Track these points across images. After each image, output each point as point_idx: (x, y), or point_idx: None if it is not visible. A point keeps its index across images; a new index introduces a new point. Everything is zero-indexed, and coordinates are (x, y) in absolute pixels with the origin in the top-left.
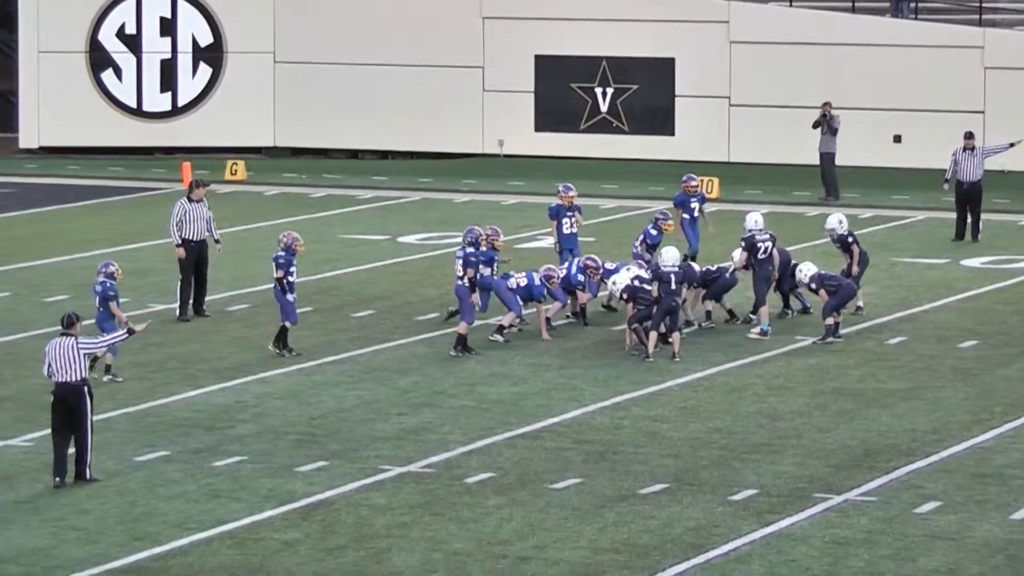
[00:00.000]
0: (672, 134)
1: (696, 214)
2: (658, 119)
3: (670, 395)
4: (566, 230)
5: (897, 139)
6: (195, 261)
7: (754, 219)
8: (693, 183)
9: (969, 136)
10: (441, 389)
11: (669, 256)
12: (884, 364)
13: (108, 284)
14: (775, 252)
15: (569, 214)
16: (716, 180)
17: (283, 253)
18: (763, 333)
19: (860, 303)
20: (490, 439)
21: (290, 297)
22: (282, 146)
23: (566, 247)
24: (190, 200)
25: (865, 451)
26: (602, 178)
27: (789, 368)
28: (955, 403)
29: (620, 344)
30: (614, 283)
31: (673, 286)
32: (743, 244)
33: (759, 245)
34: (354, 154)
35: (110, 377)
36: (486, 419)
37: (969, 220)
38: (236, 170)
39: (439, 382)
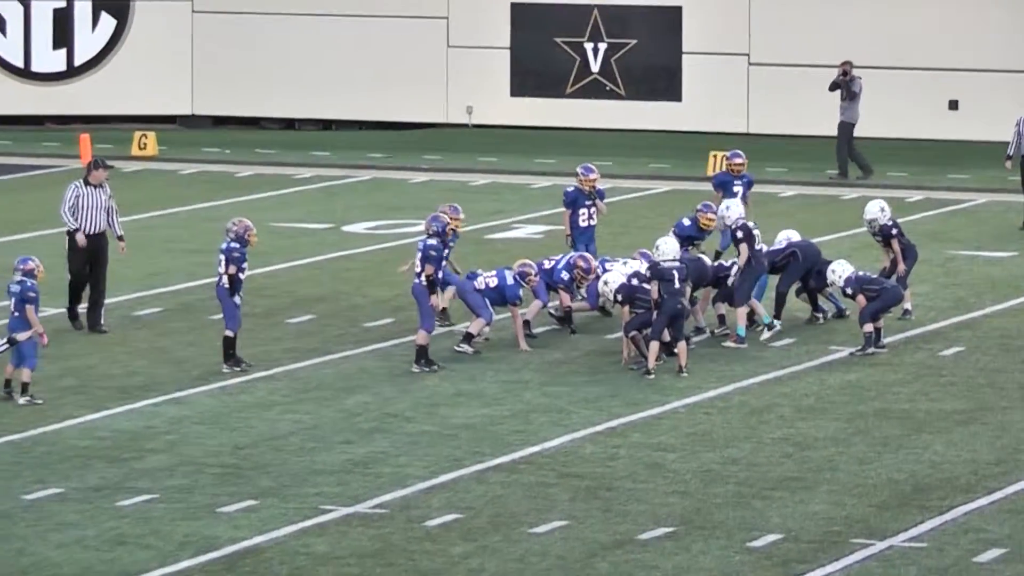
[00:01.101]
0: (678, 99)
1: (742, 198)
2: (662, 81)
3: (676, 418)
4: (583, 222)
5: (953, 105)
6: (90, 259)
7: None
8: (739, 160)
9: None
10: (396, 411)
11: (668, 248)
12: (938, 380)
13: (28, 284)
14: (795, 245)
15: (588, 202)
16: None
17: (236, 245)
18: (739, 340)
19: (908, 305)
20: (456, 472)
21: (236, 299)
22: (202, 114)
23: (581, 243)
24: (87, 183)
25: (915, 487)
26: (593, 153)
27: (822, 386)
28: None
29: (615, 356)
30: (606, 283)
31: (676, 285)
32: (739, 235)
33: (755, 233)
34: (290, 124)
35: (27, 399)
36: (451, 448)
37: None
38: (145, 144)
39: (394, 403)
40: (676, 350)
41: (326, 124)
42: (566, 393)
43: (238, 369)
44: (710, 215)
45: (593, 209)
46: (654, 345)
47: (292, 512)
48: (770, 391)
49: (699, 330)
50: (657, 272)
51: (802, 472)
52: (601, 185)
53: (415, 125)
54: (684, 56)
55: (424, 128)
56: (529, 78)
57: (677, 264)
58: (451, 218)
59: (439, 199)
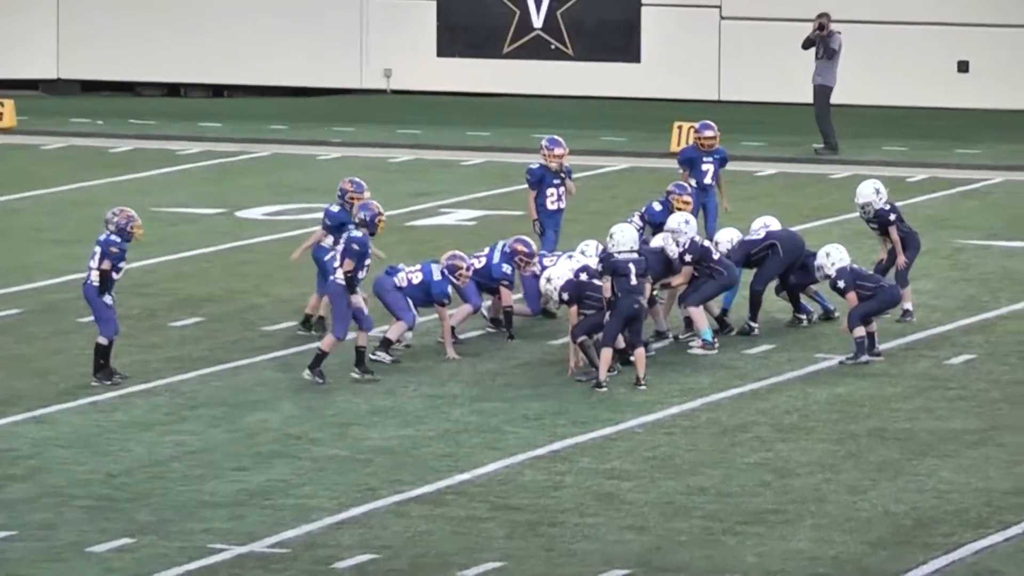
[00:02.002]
0: (637, 60)
1: (710, 180)
2: (617, 38)
3: (632, 440)
4: (551, 204)
5: (963, 67)
6: None
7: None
8: (709, 133)
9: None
10: (300, 432)
11: (624, 237)
12: (944, 394)
13: None
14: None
15: (556, 181)
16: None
17: (116, 238)
18: (706, 345)
19: (908, 305)
20: (371, 504)
21: (108, 299)
22: (69, 79)
23: (550, 228)
24: None
25: (916, 521)
26: (535, 124)
27: (806, 401)
28: None
29: (560, 366)
30: (549, 279)
31: (633, 281)
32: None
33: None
34: (175, 90)
35: None
36: (365, 475)
37: None
38: (1, 114)
39: (297, 422)
40: (633, 358)
41: (217, 90)
42: (502, 410)
43: (109, 383)
44: (685, 197)
45: (562, 189)
46: (606, 352)
47: (176, 552)
48: (745, 407)
49: (660, 334)
50: (610, 265)
51: (782, 503)
52: (517, 159)
53: (323, 91)
54: (644, 8)
55: (334, 95)
56: (459, 35)
57: (634, 256)
58: (350, 194)
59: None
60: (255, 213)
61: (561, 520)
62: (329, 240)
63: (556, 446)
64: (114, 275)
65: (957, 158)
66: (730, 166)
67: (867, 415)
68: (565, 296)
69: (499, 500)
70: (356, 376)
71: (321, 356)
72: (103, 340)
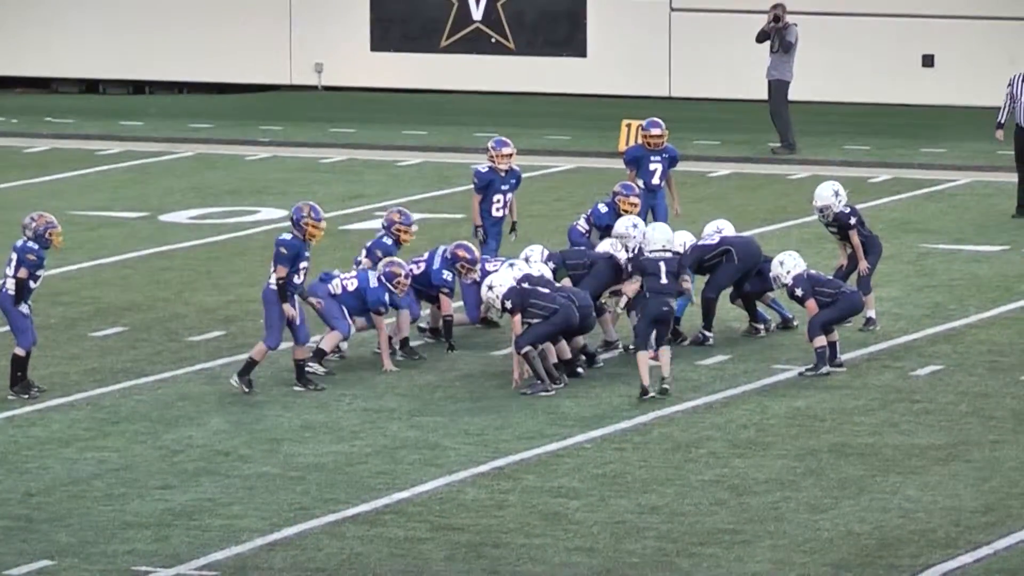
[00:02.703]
0: (583, 54)
1: (658, 180)
2: (561, 31)
3: (580, 456)
4: (496, 211)
5: (927, 61)
6: None
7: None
8: (657, 132)
9: (764, 35)
10: (228, 448)
11: (656, 235)
12: (909, 407)
13: None
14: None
15: (505, 186)
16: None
17: (33, 245)
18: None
19: (871, 313)
20: (304, 524)
21: (24, 308)
22: None
23: (493, 236)
24: None
25: (881, 541)
26: (475, 122)
27: (764, 415)
28: (1017, 467)
29: (503, 377)
30: (491, 287)
31: (663, 280)
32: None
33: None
34: (94, 86)
35: None
36: (297, 494)
37: None
38: None
39: (225, 437)
40: (658, 358)
41: (138, 87)
42: (441, 425)
43: (27, 396)
44: (632, 199)
45: (509, 196)
46: (641, 357)
47: (97, 575)
48: (699, 421)
49: (609, 344)
50: (640, 265)
51: (739, 523)
52: (458, 159)
53: (251, 87)
54: None
55: (262, 91)
56: (394, 28)
57: (667, 256)
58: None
59: (282, 180)
60: (179, 217)
61: (505, 541)
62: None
63: (499, 462)
64: (31, 283)
65: (922, 158)
66: (682, 166)
67: (828, 430)
68: (508, 304)
69: (439, 520)
70: (299, 389)
71: (251, 364)
72: (20, 351)
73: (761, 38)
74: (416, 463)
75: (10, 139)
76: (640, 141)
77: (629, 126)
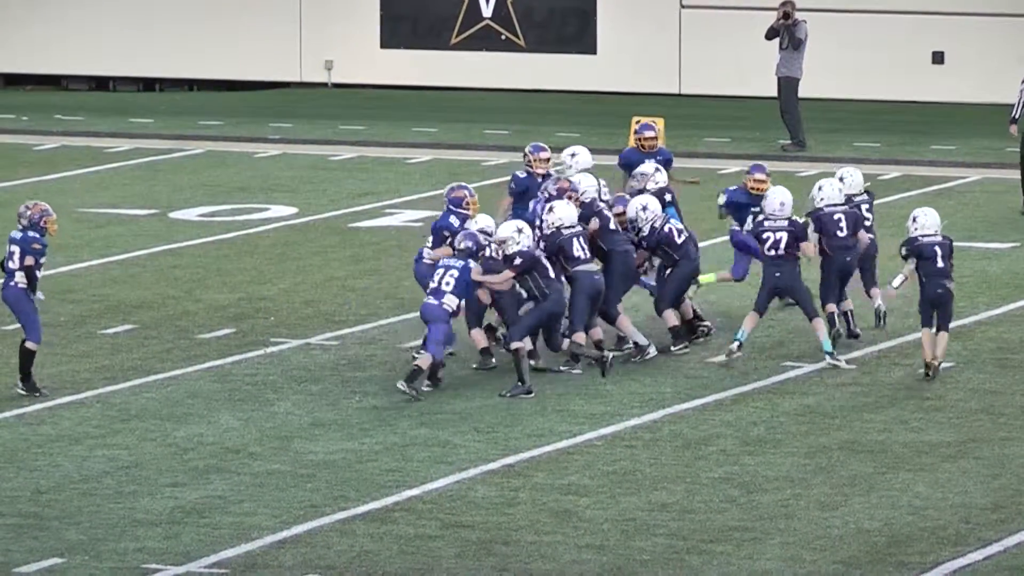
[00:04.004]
0: (592, 52)
1: None
2: (571, 28)
3: (591, 453)
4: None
5: (937, 58)
6: None
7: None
8: (650, 134)
9: (773, 32)
10: (239, 445)
11: (928, 220)
12: (919, 405)
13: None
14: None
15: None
16: (661, 122)
17: (35, 234)
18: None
19: (880, 303)
20: (314, 522)
21: (41, 295)
22: None
23: None
24: None
25: (891, 538)
26: (485, 119)
27: (774, 411)
28: None
29: (513, 376)
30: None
31: (939, 264)
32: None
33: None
34: (104, 83)
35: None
36: (308, 492)
37: None
38: None
39: (235, 435)
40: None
41: (148, 84)
42: (452, 422)
43: (37, 395)
44: (758, 175)
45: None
46: (927, 334)
47: (108, 573)
48: (709, 419)
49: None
50: (915, 248)
51: (749, 520)
52: (466, 156)
53: (261, 85)
54: None
55: (272, 88)
56: (404, 25)
57: (939, 239)
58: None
59: (292, 178)
60: (188, 214)
61: (515, 538)
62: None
63: (510, 460)
64: (37, 273)
65: (932, 155)
66: (692, 164)
67: (838, 427)
68: (518, 260)
69: (449, 517)
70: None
71: (413, 372)
72: (32, 345)
73: (771, 35)
74: (426, 461)
75: (20, 136)
76: (634, 144)
77: (639, 123)
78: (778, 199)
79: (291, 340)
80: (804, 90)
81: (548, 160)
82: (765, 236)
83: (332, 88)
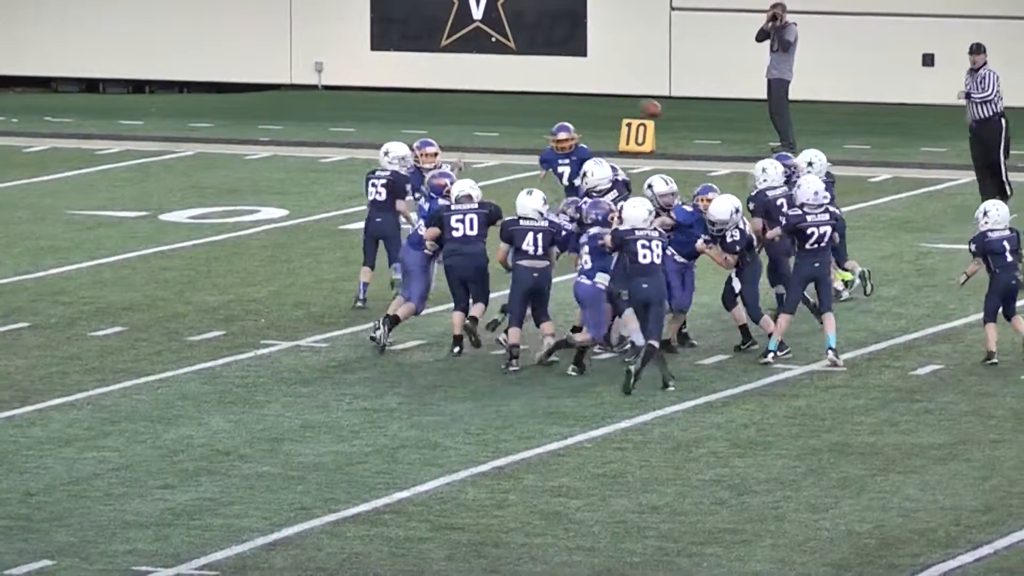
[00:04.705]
0: (583, 54)
1: (567, 181)
2: (562, 30)
3: (581, 455)
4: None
5: (927, 60)
6: None
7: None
8: (563, 136)
9: (976, 50)
10: (229, 447)
11: (999, 215)
12: (910, 407)
13: None
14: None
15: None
16: (651, 125)
17: None
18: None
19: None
20: (304, 524)
21: None
22: None
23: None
24: None
25: (881, 541)
26: (475, 121)
27: (764, 414)
28: (1017, 466)
29: (503, 377)
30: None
31: (1008, 258)
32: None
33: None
34: (94, 85)
35: None
36: (298, 494)
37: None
38: None
39: (225, 437)
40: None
41: (138, 86)
42: (442, 424)
43: None
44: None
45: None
46: (990, 328)
47: (97, 575)
48: (699, 421)
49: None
50: (983, 245)
51: (740, 522)
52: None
53: (251, 87)
54: None
55: (262, 90)
56: (394, 27)
57: (1007, 234)
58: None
59: (282, 180)
60: (178, 216)
61: (505, 541)
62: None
63: (500, 462)
64: None
65: (922, 157)
66: (683, 165)
67: (828, 429)
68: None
69: (439, 519)
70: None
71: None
72: None
73: (761, 37)
74: (416, 463)
75: (10, 138)
76: (549, 145)
77: (630, 125)
78: (812, 188)
79: (281, 342)
80: (795, 92)
81: (570, 141)
82: (810, 231)
83: (322, 90)
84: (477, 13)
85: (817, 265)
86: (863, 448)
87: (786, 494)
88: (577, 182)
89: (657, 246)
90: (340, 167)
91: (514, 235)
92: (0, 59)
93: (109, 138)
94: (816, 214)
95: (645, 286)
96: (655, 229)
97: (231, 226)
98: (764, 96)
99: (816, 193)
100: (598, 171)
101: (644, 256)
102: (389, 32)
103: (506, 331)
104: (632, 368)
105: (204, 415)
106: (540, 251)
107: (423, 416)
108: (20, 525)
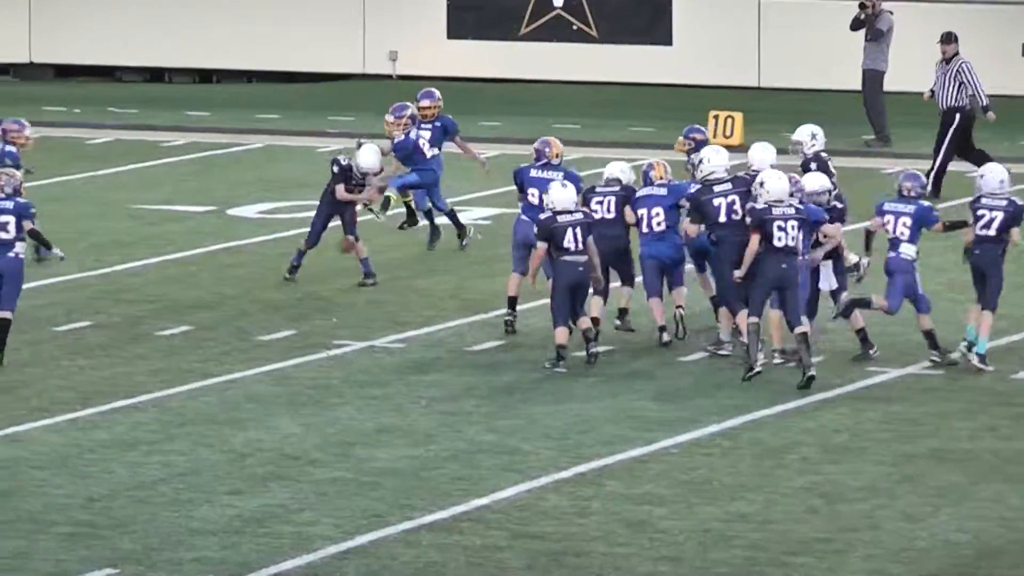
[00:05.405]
0: (668, 43)
1: (427, 150)
2: (646, 18)
3: (666, 461)
4: None
5: None
6: None
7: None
8: (426, 102)
9: (947, 40)
10: (299, 452)
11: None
12: (1009, 411)
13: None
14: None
15: None
16: (739, 117)
17: (23, 199)
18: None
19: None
20: (378, 532)
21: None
22: (42, 63)
23: None
24: None
25: (979, 551)
26: (555, 112)
27: (857, 418)
28: None
29: (585, 379)
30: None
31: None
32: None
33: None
34: (159, 75)
35: None
36: (371, 500)
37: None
38: None
39: (296, 440)
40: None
41: (205, 76)
42: (521, 428)
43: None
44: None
45: None
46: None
47: None
48: (790, 426)
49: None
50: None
51: (832, 532)
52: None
53: (322, 76)
54: None
55: (334, 80)
56: (471, 14)
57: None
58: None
59: None
60: (247, 211)
61: (587, 550)
62: None
63: (582, 468)
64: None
65: (1019, 151)
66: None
67: (925, 435)
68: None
69: (519, 527)
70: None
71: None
72: (10, 315)
73: (855, 26)
74: (495, 468)
75: (72, 130)
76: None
77: (717, 117)
78: (997, 177)
79: (354, 342)
80: (890, 83)
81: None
82: (980, 213)
83: (396, 80)
84: (558, 0)
85: (977, 252)
86: (961, 455)
87: (880, 502)
88: (435, 151)
89: (793, 227)
90: None
91: (554, 232)
92: (62, 48)
93: (175, 130)
94: (993, 199)
95: (784, 266)
96: (790, 205)
97: (301, 221)
98: (858, 87)
99: (1001, 182)
100: (715, 158)
101: (779, 239)
102: (466, 20)
103: (620, 317)
104: (809, 373)
105: (274, 418)
106: (580, 245)
107: (502, 419)
108: (83, 532)
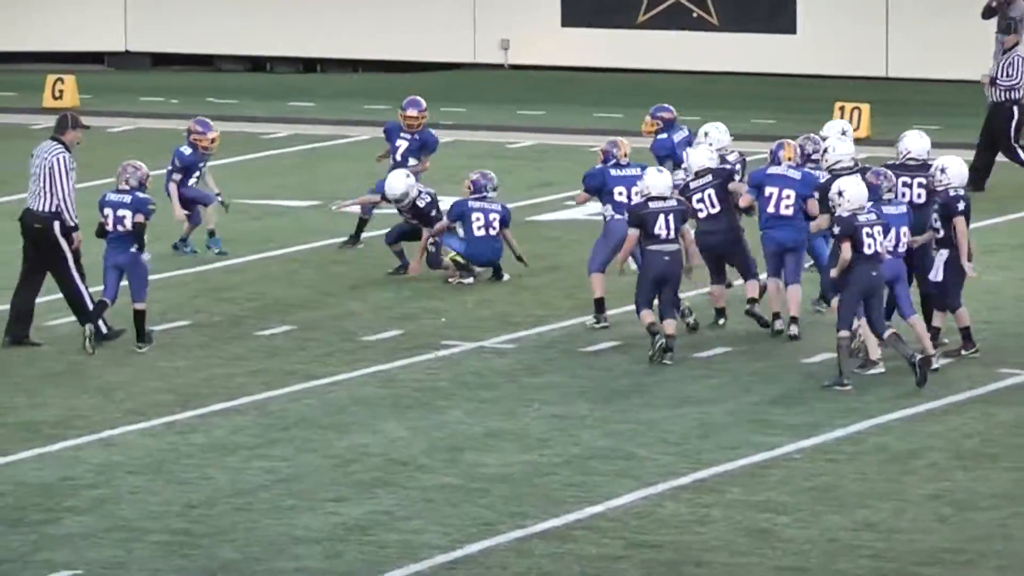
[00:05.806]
0: (792, 31)
1: (400, 157)
2: (769, 6)
3: (789, 467)
4: None
5: None
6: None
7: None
8: (412, 112)
9: (990, 11)
10: (406, 457)
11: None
12: None
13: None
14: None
15: None
16: (866, 108)
17: (143, 194)
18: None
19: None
20: (487, 541)
21: (146, 257)
22: (139, 51)
23: None
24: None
25: None
26: (674, 103)
27: (989, 423)
28: None
29: (704, 382)
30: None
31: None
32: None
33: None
34: (260, 64)
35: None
36: (481, 508)
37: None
38: (62, 91)
39: (403, 445)
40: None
41: (308, 65)
42: (638, 433)
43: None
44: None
45: None
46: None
47: None
48: (918, 430)
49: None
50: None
51: (963, 542)
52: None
53: (432, 66)
54: None
55: (443, 70)
56: (586, 1)
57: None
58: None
59: (466, 166)
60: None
61: (707, 560)
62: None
63: (701, 474)
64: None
65: None
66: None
67: None
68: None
69: (635, 536)
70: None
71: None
72: (143, 306)
73: (987, 14)
74: (610, 474)
75: (170, 121)
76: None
77: (843, 108)
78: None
79: (463, 343)
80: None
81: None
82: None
83: (509, 69)
84: None
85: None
86: None
87: (1014, 510)
88: (412, 161)
89: (879, 232)
90: (528, 153)
91: (645, 219)
92: (159, 36)
93: (277, 121)
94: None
95: (874, 274)
96: (870, 211)
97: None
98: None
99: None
100: (840, 147)
101: (869, 247)
102: (581, 6)
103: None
104: (914, 360)
105: (379, 422)
106: (672, 234)
107: (617, 424)
108: (180, 540)
